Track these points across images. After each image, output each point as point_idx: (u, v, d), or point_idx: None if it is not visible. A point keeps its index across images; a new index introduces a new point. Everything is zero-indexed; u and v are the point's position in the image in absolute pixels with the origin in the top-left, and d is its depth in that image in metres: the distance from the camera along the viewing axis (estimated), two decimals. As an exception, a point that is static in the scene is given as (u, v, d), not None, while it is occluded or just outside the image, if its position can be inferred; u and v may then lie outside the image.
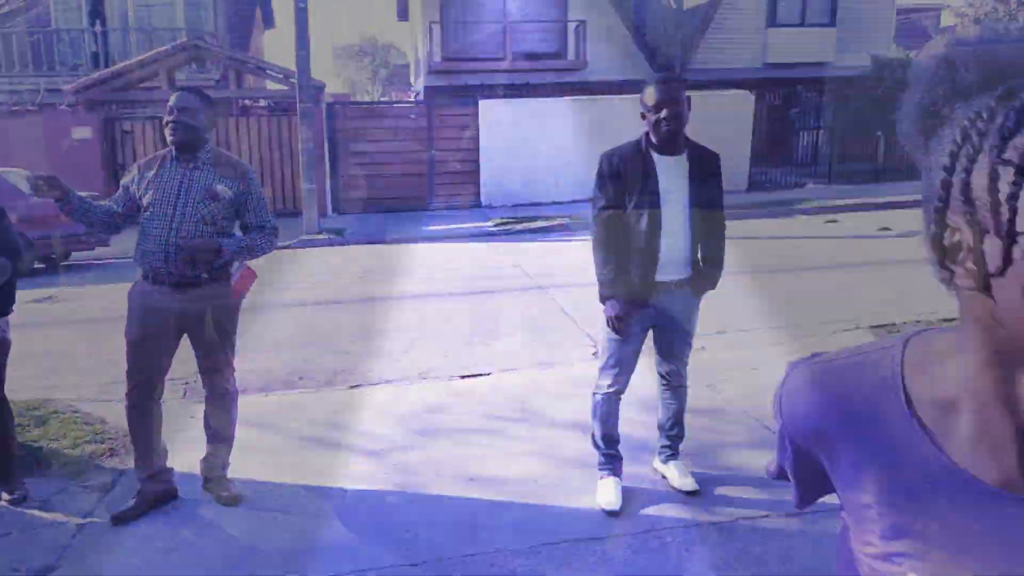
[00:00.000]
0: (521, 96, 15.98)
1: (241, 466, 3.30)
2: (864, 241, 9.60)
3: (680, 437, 3.26)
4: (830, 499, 0.79)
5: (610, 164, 2.95)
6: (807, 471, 0.77)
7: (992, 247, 0.57)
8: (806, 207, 12.74)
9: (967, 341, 0.63)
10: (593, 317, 6.07)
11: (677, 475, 3.19)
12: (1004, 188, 0.54)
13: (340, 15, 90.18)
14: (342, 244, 10.88)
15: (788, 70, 19.26)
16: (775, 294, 6.63)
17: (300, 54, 11.30)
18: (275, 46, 64.99)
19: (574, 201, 14.17)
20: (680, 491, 3.13)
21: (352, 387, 4.70)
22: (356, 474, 3.43)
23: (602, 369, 3.12)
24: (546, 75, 18.27)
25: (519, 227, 11.52)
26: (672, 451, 3.27)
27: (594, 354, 5.14)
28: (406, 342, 5.64)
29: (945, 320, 5.42)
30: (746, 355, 4.95)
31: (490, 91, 16.72)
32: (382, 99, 36.37)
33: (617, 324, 2.95)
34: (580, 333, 5.66)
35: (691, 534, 2.84)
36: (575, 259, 8.84)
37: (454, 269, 8.78)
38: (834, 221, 11.44)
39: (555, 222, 11.72)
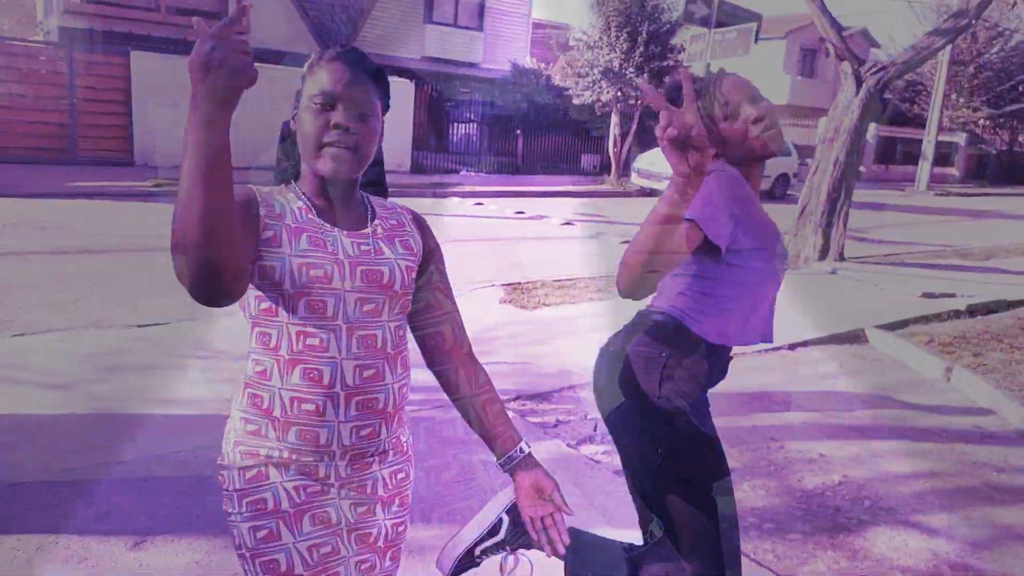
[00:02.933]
0: (177, 53, 15.14)
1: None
2: (503, 220, 11.37)
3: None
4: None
5: (290, 129, 3.56)
6: None
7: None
8: (459, 190, 14.38)
9: None
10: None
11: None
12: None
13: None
14: (-40, 195, 9.48)
15: (444, 65, 21.08)
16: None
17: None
18: None
19: (247, 168, 13.97)
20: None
21: (16, 335, 4.57)
22: (48, 404, 3.57)
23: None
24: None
25: (181, 190, 11.13)
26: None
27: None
28: (71, 295, 5.51)
29: (556, 280, 7.03)
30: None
31: (142, 42, 15.49)
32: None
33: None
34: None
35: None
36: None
37: (115, 226, 8.37)
38: (480, 203, 13.18)
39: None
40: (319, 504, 1.28)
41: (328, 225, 1.27)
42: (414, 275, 1.34)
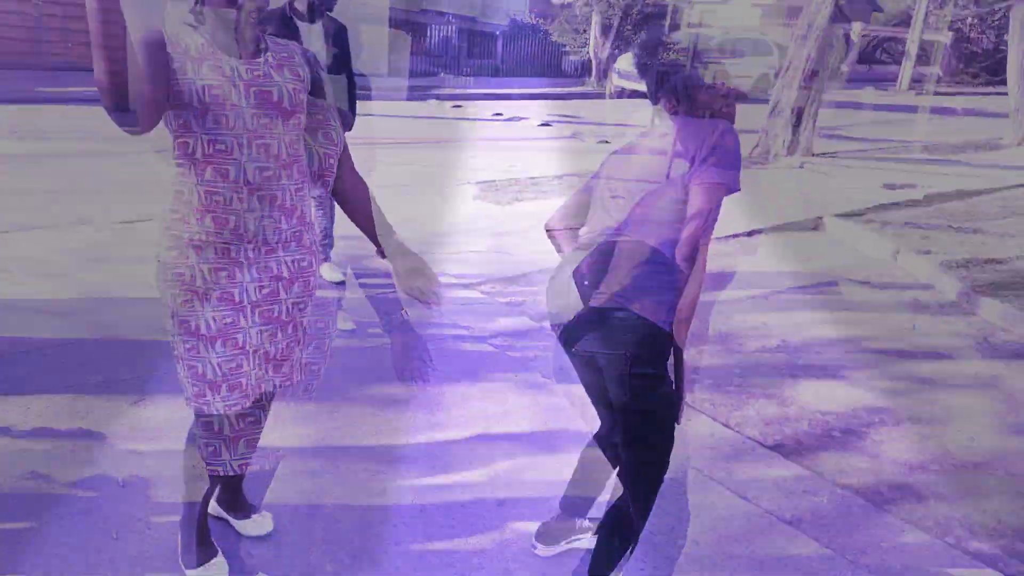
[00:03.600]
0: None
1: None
2: (480, 123, 11.38)
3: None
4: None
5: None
6: None
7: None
8: (438, 93, 14.24)
9: None
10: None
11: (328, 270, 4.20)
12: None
13: None
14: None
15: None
16: (408, 162, 7.88)
17: None
18: None
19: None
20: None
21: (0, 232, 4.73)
22: (39, 291, 3.78)
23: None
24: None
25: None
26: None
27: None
28: (50, 197, 5.61)
29: (530, 178, 7.19)
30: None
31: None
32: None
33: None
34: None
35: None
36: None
37: (86, 130, 8.35)
38: (459, 106, 13.11)
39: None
40: (226, 286, 1.66)
41: (226, 55, 1.58)
42: (302, 96, 1.68)
